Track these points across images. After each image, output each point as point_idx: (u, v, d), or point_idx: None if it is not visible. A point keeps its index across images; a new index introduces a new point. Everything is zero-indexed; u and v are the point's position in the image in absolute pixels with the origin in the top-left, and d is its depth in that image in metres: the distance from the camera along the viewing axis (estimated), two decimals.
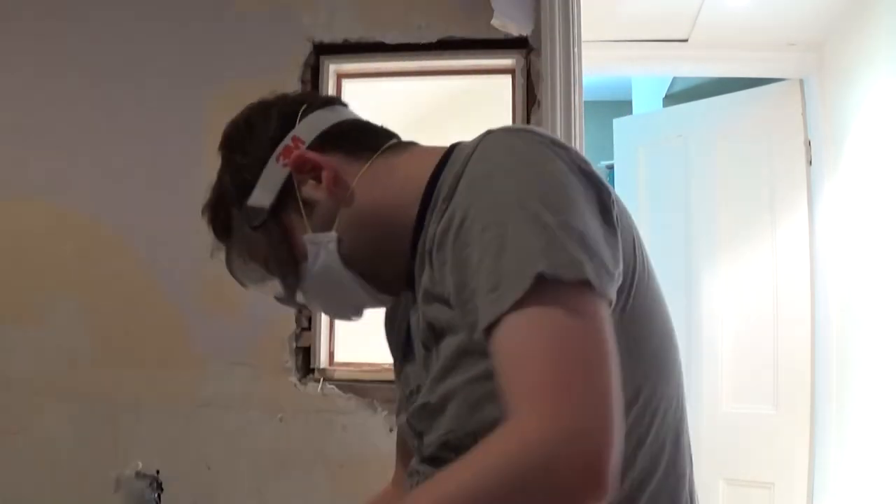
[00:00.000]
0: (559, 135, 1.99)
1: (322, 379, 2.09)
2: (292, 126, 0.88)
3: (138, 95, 2.21)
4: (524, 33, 2.09)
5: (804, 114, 2.99)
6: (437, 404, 0.79)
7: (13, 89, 2.28)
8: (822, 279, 2.90)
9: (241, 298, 1.76)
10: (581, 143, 2.03)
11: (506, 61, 2.15)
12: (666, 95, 3.57)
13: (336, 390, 2.07)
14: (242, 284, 0.95)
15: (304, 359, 2.11)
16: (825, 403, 2.83)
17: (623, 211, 0.79)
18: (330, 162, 0.86)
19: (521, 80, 2.10)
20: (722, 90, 3.21)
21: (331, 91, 2.18)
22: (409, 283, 0.85)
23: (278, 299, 0.94)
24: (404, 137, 0.94)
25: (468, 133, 0.82)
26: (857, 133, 2.64)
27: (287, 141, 0.87)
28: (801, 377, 2.92)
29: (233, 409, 2.09)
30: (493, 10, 2.06)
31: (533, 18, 2.08)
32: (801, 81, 3.00)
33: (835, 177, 2.82)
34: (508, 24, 2.07)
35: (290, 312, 2.06)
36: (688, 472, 0.82)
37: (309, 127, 0.89)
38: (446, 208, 0.75)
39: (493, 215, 0.69)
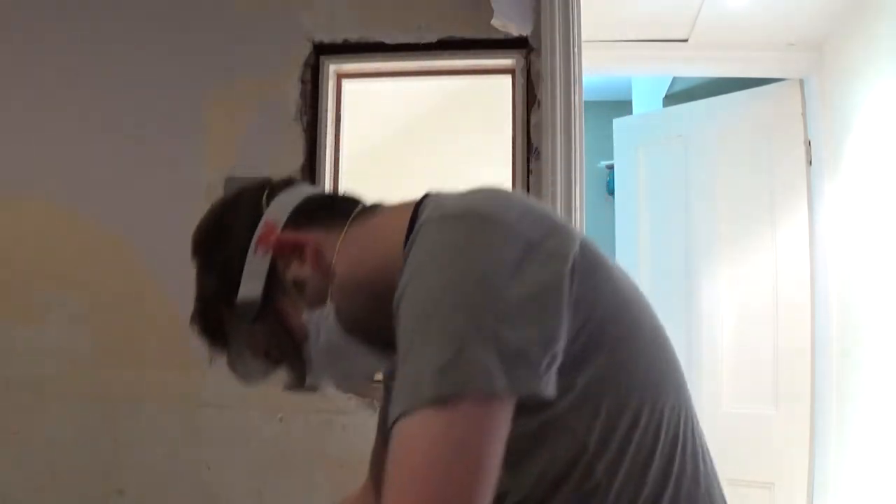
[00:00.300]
0: (559, 135, 1.99)
1: None
2: (261, 213, 0.88)
3: (138, 95, 2.22)
4: (524, 33, 2.09)
5: (804, 114, 2.99)
6: None
7: (13, 89, 2.28)
8: (822, 279, 2.90)
9: None
10: (581, 143, 2.03)
11: (506, 61, 2.15)
12: (666, 95, 3.57)
13: (336, 390, 2.07)
14: (249, 383, 0.95)
15: None
16: (825, 404, 2.83)
17: (588, 253, 0.76)
18: (309, 237, 0.86)
19: (521, 80, 2.10)
20: (722, 90, 3.21)
21: (331, 91, 2.19)
22: None
23: (288, 388, 0.94)
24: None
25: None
26: (858, 133, 2.63)
27: (261, 228, 0.87)
28: (801, 377, 2.91)
29: (233, 409, 2.09)
30: (493, 10, 2.06)
31: (533, 18, 2.08)
32: (801, 81, 3.00)
33: (835, 177, 2.82)
34: (508, 24, 2.07)
35: None
36: (701, 476, 0.81)
37: (278, 210, 0.89)
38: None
39: (410, 320, 0.70)
